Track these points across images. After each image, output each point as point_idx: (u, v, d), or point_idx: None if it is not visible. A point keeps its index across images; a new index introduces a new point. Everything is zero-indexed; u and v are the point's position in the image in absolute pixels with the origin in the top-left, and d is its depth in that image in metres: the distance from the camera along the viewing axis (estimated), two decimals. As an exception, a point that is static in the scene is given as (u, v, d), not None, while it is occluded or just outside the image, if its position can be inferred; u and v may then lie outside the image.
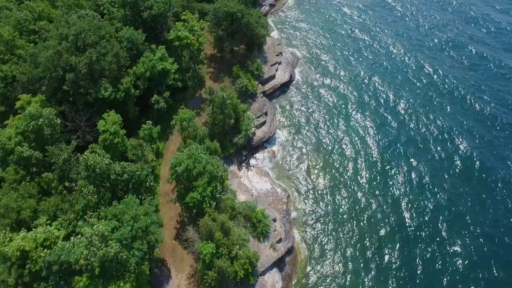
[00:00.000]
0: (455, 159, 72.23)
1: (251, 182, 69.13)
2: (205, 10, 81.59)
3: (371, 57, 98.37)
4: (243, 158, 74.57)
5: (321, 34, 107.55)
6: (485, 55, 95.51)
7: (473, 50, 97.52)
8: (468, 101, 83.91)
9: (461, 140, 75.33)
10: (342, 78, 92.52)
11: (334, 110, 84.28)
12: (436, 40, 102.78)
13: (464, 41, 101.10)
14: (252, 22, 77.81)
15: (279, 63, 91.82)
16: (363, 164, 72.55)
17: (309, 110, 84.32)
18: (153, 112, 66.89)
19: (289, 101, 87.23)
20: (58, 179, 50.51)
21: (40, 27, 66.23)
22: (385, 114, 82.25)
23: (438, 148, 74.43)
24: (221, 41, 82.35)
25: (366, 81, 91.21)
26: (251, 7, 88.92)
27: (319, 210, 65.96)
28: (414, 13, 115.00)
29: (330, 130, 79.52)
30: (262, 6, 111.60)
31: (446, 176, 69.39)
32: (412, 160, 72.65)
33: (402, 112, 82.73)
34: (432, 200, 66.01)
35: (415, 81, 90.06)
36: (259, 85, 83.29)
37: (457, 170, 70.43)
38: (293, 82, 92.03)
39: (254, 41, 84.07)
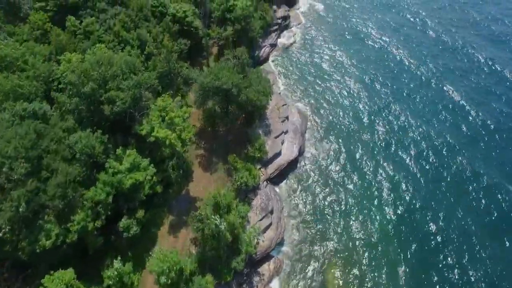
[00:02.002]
0: None
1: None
2: (191, 80, 64.15)
3: (392, 116, 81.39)
4: (244, 278, 58.08)
5: (332, 79, 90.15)
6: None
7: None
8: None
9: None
10: (359, 143, 75.56)
11: (355, 192, 67.48)
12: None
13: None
14: (252, 98, 60.42)
15: (285, 132, 74.51)
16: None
17: (323, 195, 67.43)
18: (122, 240, 50.02)
19: (299, 183, 70.29)
20: None
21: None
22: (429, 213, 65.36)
23: None
24: (211, 117, 65.13)
25: (390, 149, 74.28)
26: (250, 66, 71.33)
27: None
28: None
29: (355, 226, 62.76)
30: (261, 48, 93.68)
31: None
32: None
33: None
34: None
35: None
36: (261, 170, 66.17)
37: None
38: (302, 154, 75.01)
39: (255, 112, 66.90)
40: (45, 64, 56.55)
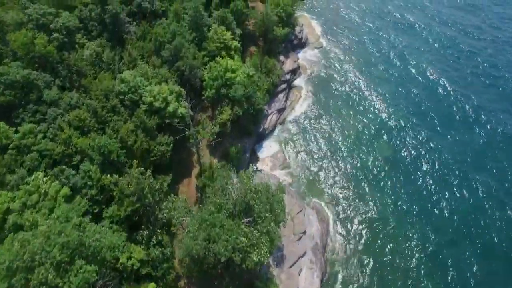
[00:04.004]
0: None
1: None
2: (173, 227, 44.99)
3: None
4: None
5: (354, 158, 71.27)
6: None
7: None
8: None
9: None
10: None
11: None
12: None
13: None
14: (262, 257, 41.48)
15: (303, 255, 56.21)
16: None
17: None
18: None
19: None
20: None
21: None
22: None
23: None
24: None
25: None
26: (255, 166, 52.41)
27: None
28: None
29: None
30: (267, 117, 74.28)
31: None
32: None
33: None
34: None
35: None
36: (273, 332, 48.10)
37: None
38: (326, 281, 56.90)
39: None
40: None
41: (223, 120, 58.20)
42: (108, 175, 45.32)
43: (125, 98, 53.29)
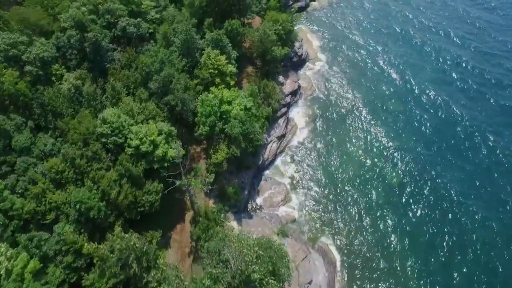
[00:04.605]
0: None
1: None
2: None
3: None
4: None
5: (359, 189, 65.39)
6: None
7: None
8: None
9: None
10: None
11: None
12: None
13: None
14: None
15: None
16: None
17: None
18: None
19: None
20: None
21: None
22: None
23: None
24: None
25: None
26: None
27: None
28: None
29: None
30: (266, 145, 68.20)
31: None
32: None
33: None
34: None
35: None
36: None
37: None
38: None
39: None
40: None
41: (219, 160, 52.18)
42: (86, 241, 39.25)
43: (108, 141, 47.09)
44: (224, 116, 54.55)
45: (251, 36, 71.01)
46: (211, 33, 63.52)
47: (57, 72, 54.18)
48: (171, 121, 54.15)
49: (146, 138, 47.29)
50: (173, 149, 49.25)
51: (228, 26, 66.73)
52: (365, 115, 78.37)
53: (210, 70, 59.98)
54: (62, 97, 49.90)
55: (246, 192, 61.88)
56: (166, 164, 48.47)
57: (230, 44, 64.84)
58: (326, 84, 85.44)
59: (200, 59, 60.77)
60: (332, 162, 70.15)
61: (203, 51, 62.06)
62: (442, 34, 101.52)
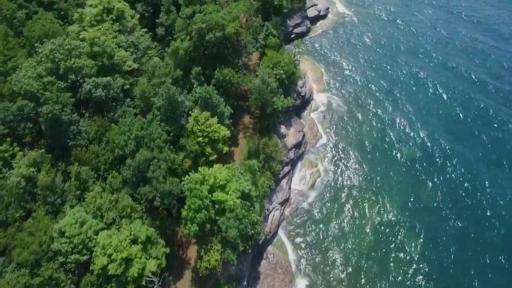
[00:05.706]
0: None
1: None
2: None
3: None
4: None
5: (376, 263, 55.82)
6: None
7: None
8: None
9: None
10: None
11: None
12: None
13: None
14: None
15: None
16: None
17: None
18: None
19: None
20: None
21: None
22: None
23: None
24: None
25: None
26: None
27: None
28: None
29: None
30: (268, 214, 57.90)
31: None
32: None
33: None
34: None
35: None
36: None
37: None
38: None
39: None
40: None
41: (211, 265, 41.85)
42: None
43: (67, 260, 36.48)
44: (216, 206, 44.07)
45: (248, 86, 60.26)
46: (200, 89, 52.54)
47: (5, 154, 43.03)
48: (151, 214, 43.54)
49: (117, 255, 36.74)
50: (155, 258, 38.92)
51: (219, 76, 55.88)
52: (377, 168, 68.42)
53: (199, 139, 49.27)
54: (8, 196, 38.86)
55: (245, 283, 51.78)
56: (144, 282, 38.11)
57: (222, 101, 54.11)
58: (336, 129, 74.89)
59: (186, 125, 49.88)
60: (345, 227, 60.35)
61: (190, 113, 51.21)
62: (456, 53, 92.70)
